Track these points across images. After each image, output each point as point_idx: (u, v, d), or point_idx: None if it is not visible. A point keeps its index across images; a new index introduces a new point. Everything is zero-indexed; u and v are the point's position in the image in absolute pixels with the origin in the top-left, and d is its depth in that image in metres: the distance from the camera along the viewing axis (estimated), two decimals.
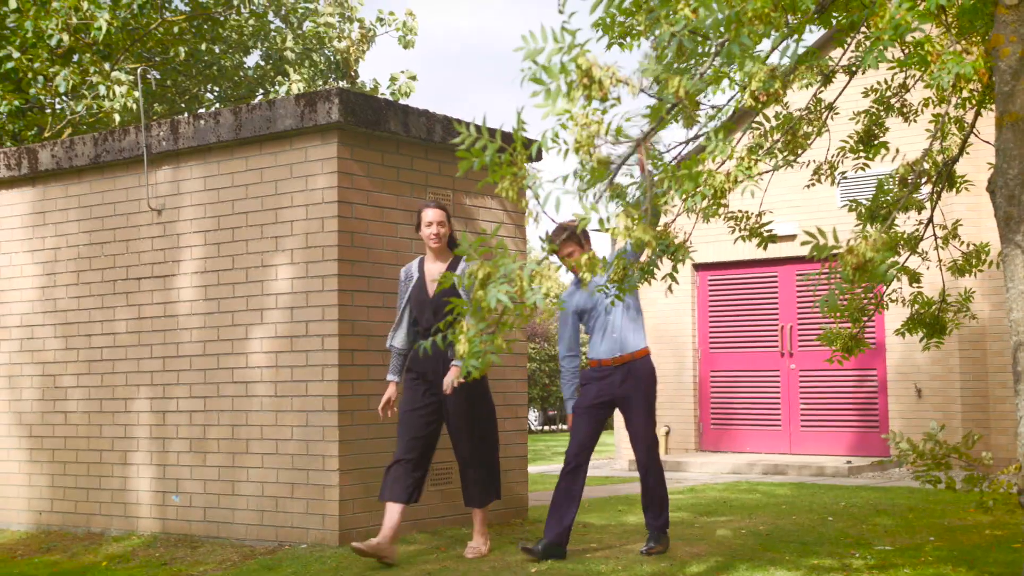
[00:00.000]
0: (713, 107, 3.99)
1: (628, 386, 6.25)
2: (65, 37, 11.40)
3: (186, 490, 7.31)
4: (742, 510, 8.24)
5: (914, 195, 5.46)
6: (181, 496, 7.32)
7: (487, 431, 6.19)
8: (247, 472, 7.05)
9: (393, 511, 6.02)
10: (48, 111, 12.19)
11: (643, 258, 4.79)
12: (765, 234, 5.28)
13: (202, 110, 15.39)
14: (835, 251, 3.46)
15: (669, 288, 4.95)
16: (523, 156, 3.30)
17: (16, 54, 11.56)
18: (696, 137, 4.56)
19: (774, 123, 5.12)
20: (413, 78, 14.96)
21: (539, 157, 6.43)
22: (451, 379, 6.00)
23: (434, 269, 6.16)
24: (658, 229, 4.09)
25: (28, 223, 8.33)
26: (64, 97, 11.81)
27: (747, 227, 5.26)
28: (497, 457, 6.30)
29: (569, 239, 5.94)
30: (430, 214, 6.17)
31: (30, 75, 11.66)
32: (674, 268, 4.66)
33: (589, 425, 6.18)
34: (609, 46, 4.87)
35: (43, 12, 11.42)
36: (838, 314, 5.46)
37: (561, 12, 3.74)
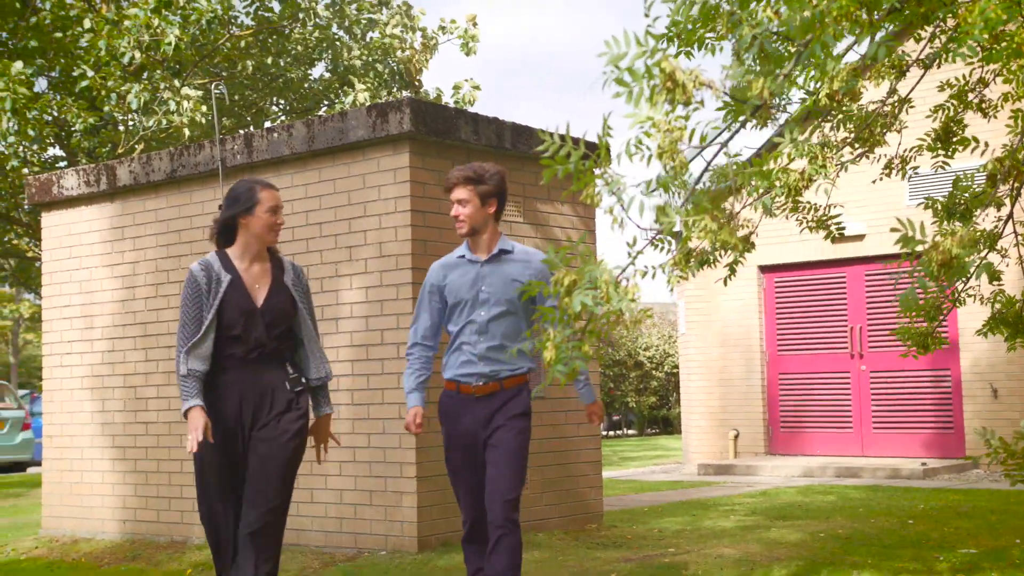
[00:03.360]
0: (794, 102, 3.97)
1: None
2: (137, 54, 11.64)
3: None
4: (818, 513, 8.16)
5: (991, 191, 5.37)
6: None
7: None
8: (325, 480, 7.13)
9: None
10: (121, 127, 12.44)
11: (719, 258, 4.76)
12: (833, 227, 5.22)
13: (269, 123, 15.60)
14: (920, 247, 3.43)
15: (726, 280, 4.91)
16: (607, 162, 3.32)
17: (90, 73, 11.82)
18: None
19: (842, 118, 5.07)
20: (476, 87, 15.02)
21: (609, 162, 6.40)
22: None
23: (256, 271, 4.58)
24: (729, 229, 4.07)
25: (107, 238, 8.51)
26: (136, 113, 12.04)
27: (814, 219, 5.20)
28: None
29: (466, 182, 4.52)
30: (274, 196, 4.59)
31: (103, 93, 11.92)
32: (735, 260, 4.62)
33: None
34: (676, 55, 4.86)
35: (116, 31, 11.67)
36: (913, 313, 5.38)
37: (647, 16, 3.75)
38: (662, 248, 3.53)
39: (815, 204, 5.29)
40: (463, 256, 4.65)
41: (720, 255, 4.25)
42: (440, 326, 4.70)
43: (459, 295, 4.58)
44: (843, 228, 5.19)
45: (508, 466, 4.46)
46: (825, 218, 5.18)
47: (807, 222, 5.21)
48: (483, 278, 4.57)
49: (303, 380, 4.61)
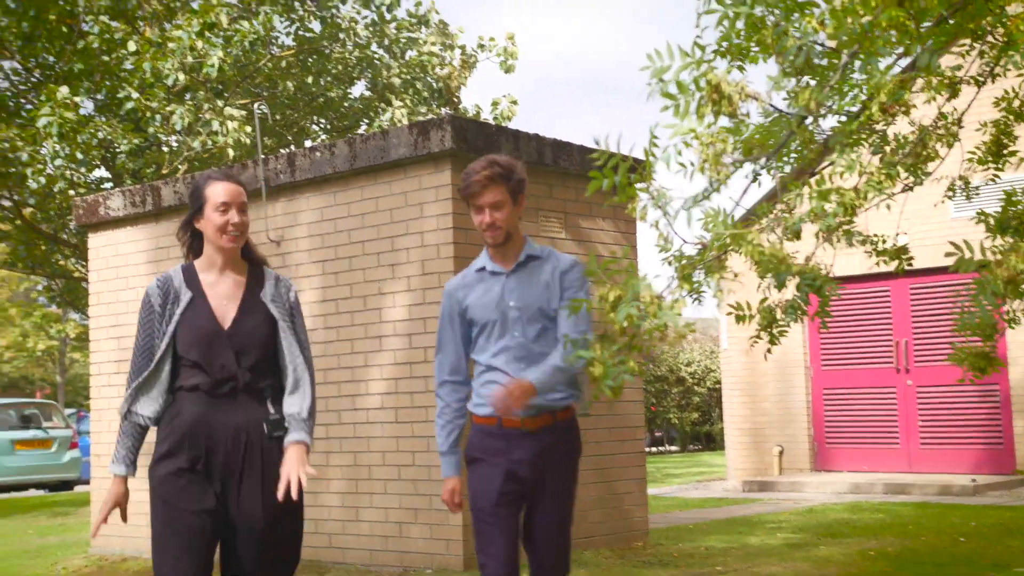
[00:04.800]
0: (841, 115, 3.93)
1: None
2: (181, 76, 11.77)
3: (311, 516, 7.42)
4: (867, 531, 8.05)
5: None
6: (307, 522, 7.44)
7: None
8: (371, 498, 7.14)
9: None
10: (165, 148, 12.59)
11: (786, 293, 4.68)
12: (904, 259, 5.17)
13: (309, 142, 15.71)
14: (980, 265, 3.37)
15: (824, 323, 4.85)
16: (651, 176, 3.30)
17: (135, 95, 11.97)
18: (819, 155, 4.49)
19: (890, 138, 5.02)
20: (514, 102, 15.06)
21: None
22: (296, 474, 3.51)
23: (226, 286, 3.66)
24: (801, 262, 4.03)
25: (153, 258, 8.59)
26: (180, 134, 12.18)
27: (885, 250, 5.16)
28: None
29: (497, 180, 3.73)
30: (226, 190, 3.61)
31: (148, 114, 12.06)
32: (823, 305, 4.58)
33: None
34: (728, 70, 4.83)
35: (160, 53, 11.81)
36: (968, 332, 5.30)
37: (697, 27, 3.73)
38: (704, 267, 3.50)
39: (882, 236, 5.24)
40: (483, 268, 3.84)
41: (807, 300, 4.21)
42: (468, 354, 3.88)
43: (484, 316, 3.76)
44: (912, 259, 5.15)
45: (561, 536, 3.74)
46: (895, 247, 5.14)
47: (875, 253, 5.16)
48: (510, 292, 3.75)
49: (285, 423, 3.59)
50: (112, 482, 3.63)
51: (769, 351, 5.10)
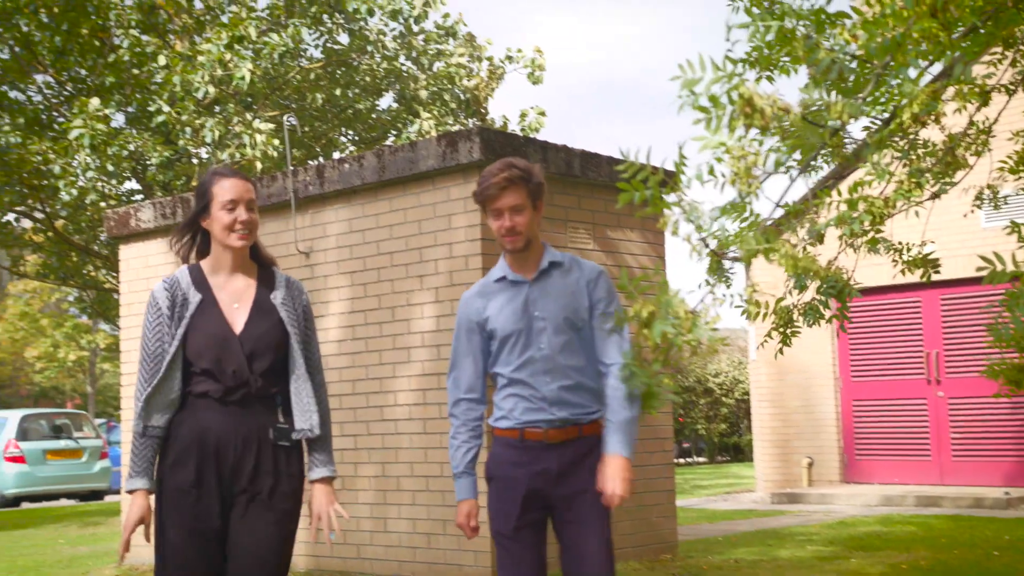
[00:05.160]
0: (872, 123, 3.91)
1: None
2: (211, 89, 11.86)
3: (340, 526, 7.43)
4: (899, 544, 7.97)
5: None
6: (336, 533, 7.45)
7: None
8: (399, 509, 7.14)
9: None
10: (195, 161, 12.69)
11: (807, 295, 4.65)
12: (930, 268, 5.13)
13: (338, 153, 15.79)
14: (1012, 276, 3.34)
15: (842, 325, 4.85)
16: (679, 187, 3.29)
17: (166, 108, 12.08)
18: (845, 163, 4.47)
19: (925, 150, 4.99)
20: (542, 114, 15.09)
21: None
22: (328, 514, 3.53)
23: (235, 288, 3.52)
24: (822, 266, 4.01)
25: None
26: (210, 146, 12.28)
27: (912, 257, 5.12)
28: None
29: (517, 183, 3.52)
30: (234, 186, 3.48)
31: (178, 127, 12.16)
32: (843, 308, 4.56)
33: None
34: (757, 80, 4.83)
35: (190, 66, 11.91)
36: (1004, 345, 5.26)
37: (728, 40, 3.72)
38: (728, 283, 3.48)
39: (908, 244, 5.21)
40: (503, 278, 3.62)
41: (828, 304, 4.18)
42: (486, 370, 3.67)
43: (507, 327, 3.55)
44: (938, 265, 5.10)
45: (600, 551, 3.46)
46: (921, 256, 5.09)
47: (902, 262, 5.12)
48: (534, 302, 3.55)
49: (292, 434, 3.46)
50: (134, 497, 3.39)
51: (781, 351, 5.06)
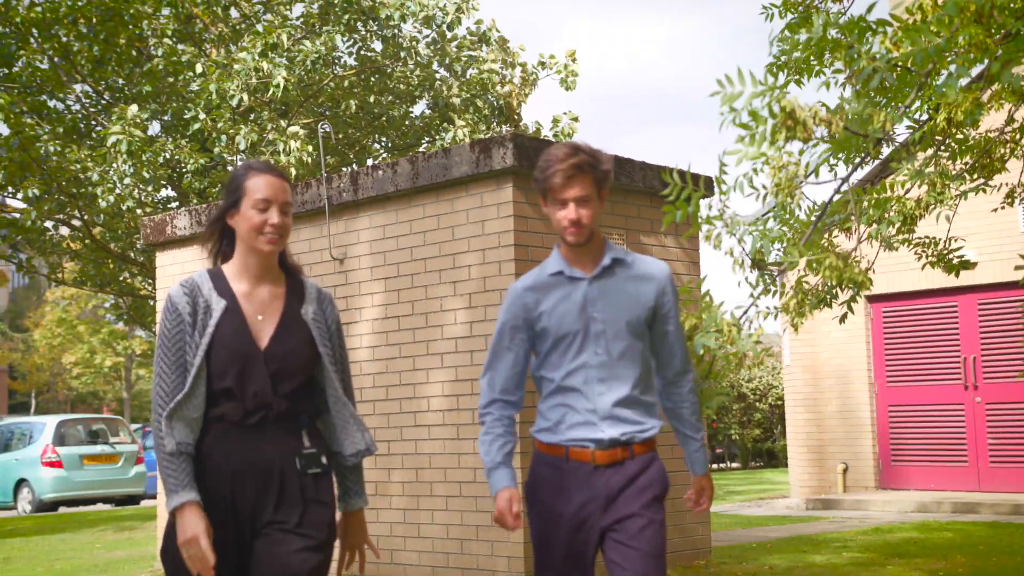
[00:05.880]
0: (911, 124, 3.89)
1: None
2: (245, 97, 11.97)
3: (372, 533, 7.47)
4: (936, 551, 7.90)
5: None
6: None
7: None
8: (432, 515, 7.17)
9: None
10: (231, 168, 12.80)
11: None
12: (956, 261, 5.10)
13: (371, 160, 15.87)
14: None
15: (843, 318, 4.84)
16: (723, 203, 3.30)
17: (202, 115, 12.19)
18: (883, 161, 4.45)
19: (959, 148, 4.96)
20: (575, 119, 15.09)
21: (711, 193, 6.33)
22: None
23: (262, 297, 3.12)
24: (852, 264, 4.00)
25: None
26: (245, 154, 12.38)
27: (935, 253, 5.08)
28: None
29: (585, 170, 3.18)
30: (269, 185, 3.09)
31: (214, 134, 12.28)
32: (853, 297, 4.53)
33: None
34: (785, 84, 4.82)
35: (225, 75, 12.02)
36: None
37: (771, 53, 3.72)
38: (774, 292, 3.49)
39: (935, 238, 5.17)
40: (559, 272, 3.27)
41: (838, 292, 4.17)
42: (525, 372, 3.34)
43: (562, 327, 3.22)
44: (967, 261, 5.06)
45: (651, 571, 3.15)
46: (946, 252, 5.06)
47: (927, 256, 5.09)
48: (593, 301, 3.22)
49: (322, 458, 3.09)
50: (188, 512, 2.91)
51: (795, 326, 5.00)
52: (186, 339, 3.02)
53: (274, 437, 3.03)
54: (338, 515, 3.16)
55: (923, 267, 5.43)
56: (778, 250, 3.35)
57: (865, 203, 3.74)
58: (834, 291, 4.65)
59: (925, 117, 3.87)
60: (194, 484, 2.96)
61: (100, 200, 12.21)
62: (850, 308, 4.76)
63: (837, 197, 3.44)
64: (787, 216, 3.19)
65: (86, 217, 13.99)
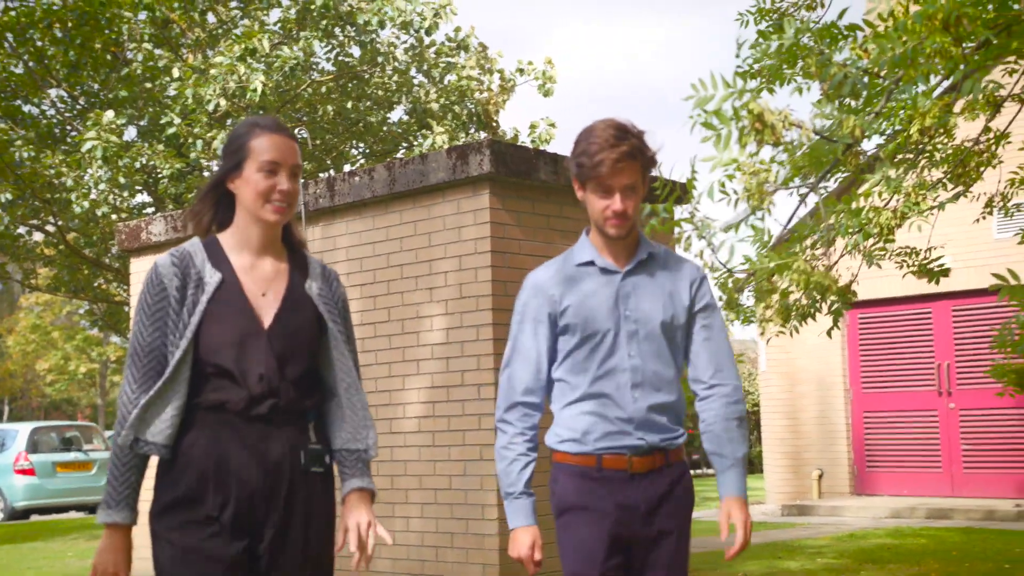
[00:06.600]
0: (882, 138, 3.92)
1: None
2: (222, 101, 11.93)
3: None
4: (909, 557, 7.94)
5: None
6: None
7: None
8: (407, 522, 7.14)
9: None
10: (206, 173, 12.75)
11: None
12: (936, 269, 5.15)
13: (349, 166, 15.85)
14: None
15: (830, 331, 4.88)
16: (694, 205, 3.31)
17: (177, 120, 12.14)
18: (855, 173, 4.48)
19: (935, 157, 5.00)
20: (553, 125, 15.13)
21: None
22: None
23: (264, 271, 2.76)
24: (822, 270, 4.03)
25: None
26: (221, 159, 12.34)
27: (916, 263, 5.13)
28: None
29: (635, 156, 2.86)
30: (278, 145, 2.71)
31: (190, 139, 12.23)
32: (839, 310, 4.58)
33: None
34: (758, 90, 4.85)
35: (202, 79, 11.98)
36: (1008, 349, 5.27)
37: (737, 56, 3.74)
38: (759, 300, 3.51)
39: (915, 249, 5.22)
40: (590, 263, 2.94)
41: (820, 306, 4.20)
42: (549, 371, 2.98)
43: (591, 325, 2.89)
44: (946, 269, 5.12)
45: None
46: (927, 261, 5.11)
47: (908, 266, 5.14)
48: (626, 297, 2.90)
49: (326, 457, 2.77)
50: (109, 537, 2.63)
51: (782, 332, 5.02)
52: (168, 317, 2.65)
53: (282, 432, 2.68)
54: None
55: (904, 276, 5.47)
56: (743, 263, 3.37)
57: (842, 216, 3.78)
58: (817, 304, 4.70)
59: (898, 128, 3.91)
60: (133, 500, 2.64)
61: (75, 205, 12.14)
62: (836, 323, 4.79)
63: (805, 207, 3.46)
64: (759, 229, 3.21)
65: (60, 223, 13.91)
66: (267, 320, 2.70)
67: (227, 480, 2.60)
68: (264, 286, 2.73)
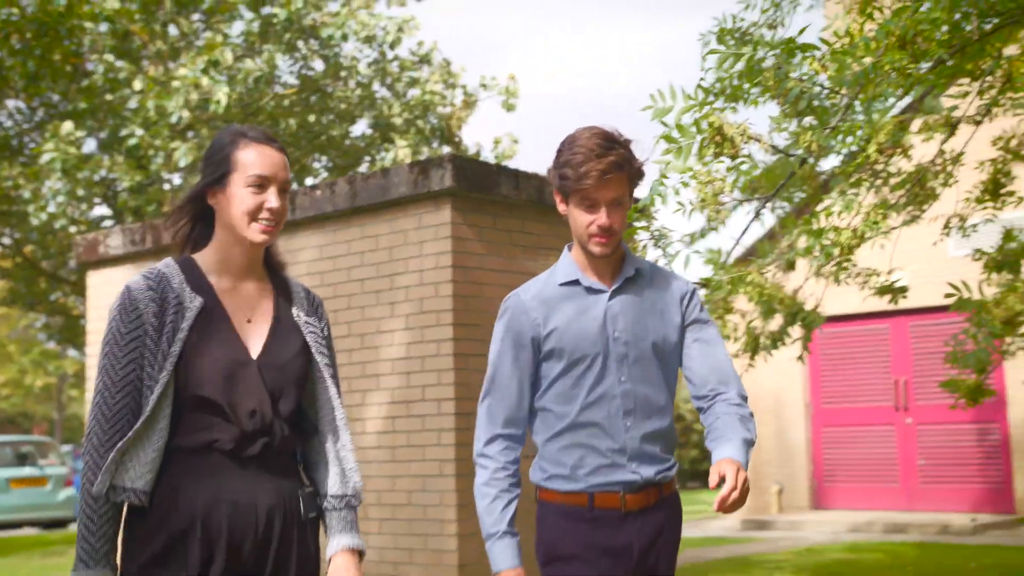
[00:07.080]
0: (841, 153, 3.97)
1: None
2: (185, 113, 11.86)
3: None
4: (866, 572, 8.00)
5: None
6: None
7: None
8: (366, 538, 7.10)
9: None
10: (167, 186, 12.67)
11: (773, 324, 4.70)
12: (897, 293, 5.23)
13: (311, 179, 15.80)
14: (978, 304, 3.41)
15: (801, 357, 4.92)
16: (651, 214, 3.33)
17: (139, 132, 12.06)
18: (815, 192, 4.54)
19: (893, 180, 5.08)
20: (516, 141, 15.18)
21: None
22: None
23: (247, 294, 2.52)
24: (787, 294, 4.07)
25: None
26: (182, 171, 12.26)
27: (876, 285, 5.20)
28: None
29: (622, 168, 2.65)
30: (267, 159, 2.45)
31: (151, 151, 12.15)
32: (806, 335, 4.62)
33: None
34: (723, 110, 4.90)
35: (164, 91, 11.91)
36: (961, 366, 5.35)
37: (702, 70, 3.78)
38: (714, 316, 3.53)
39: (876, 270, 5.29)
40: (574, 282, 2.74)
41: (789, 331, 4.24)
42: (531, 401, 2.76)
43: (578, 349, 2.69)
44: (905, 288, 5.20)
45: None
46: (888, 283, 5.19)
47: (869, 287, 5.21)
48: (614, 318, 2.70)
49: (317, 499, 2.52)
50: None
51: (748, 366, 5.12)
52: (146, 347, 2.35)
53: (275, 474, 2.42)
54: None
55: (864, 299, 5.54)
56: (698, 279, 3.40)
57: (802, 236, 3.82)
58: (787, 331, 4.75)
59: (856, 148, 3.96)
60: (114, 555, 2.36)
61: (32, 217, 12.02)
62: (805, 347, 4.85)
63: (760, 224, 3.50)
64: (712, 230, 3.24)
65: (17, 235, 13.75)
66: (254, 349, 2.44)
67: (214, 533, 2.32)
68: (248, 312, 2.47)
